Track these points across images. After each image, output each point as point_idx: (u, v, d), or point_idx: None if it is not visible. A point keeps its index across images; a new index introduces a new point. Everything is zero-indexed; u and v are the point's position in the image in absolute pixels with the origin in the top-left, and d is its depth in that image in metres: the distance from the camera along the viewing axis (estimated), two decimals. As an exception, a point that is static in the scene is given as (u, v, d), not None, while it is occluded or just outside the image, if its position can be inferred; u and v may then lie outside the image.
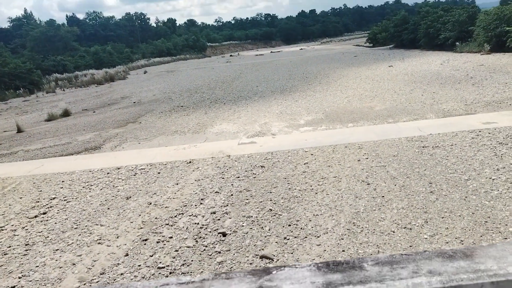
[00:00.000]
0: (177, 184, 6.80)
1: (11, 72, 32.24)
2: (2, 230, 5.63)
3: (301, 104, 13.83)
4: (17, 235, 5.43)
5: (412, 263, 0.87)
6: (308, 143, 8.48)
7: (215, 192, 6.24)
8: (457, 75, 16.45)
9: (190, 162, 7.99)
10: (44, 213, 6.05)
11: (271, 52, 66.65)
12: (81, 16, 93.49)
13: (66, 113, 17.49)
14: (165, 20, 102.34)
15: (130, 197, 6.40)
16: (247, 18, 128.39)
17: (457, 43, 27.50)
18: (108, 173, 7.75)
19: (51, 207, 6.29)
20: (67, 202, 6.44)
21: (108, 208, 6.03)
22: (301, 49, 64.83)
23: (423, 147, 7.40)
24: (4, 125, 16.72)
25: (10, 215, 6.12)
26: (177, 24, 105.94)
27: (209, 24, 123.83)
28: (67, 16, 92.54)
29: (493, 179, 5.65)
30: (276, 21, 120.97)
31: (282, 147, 8.41)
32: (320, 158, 7.41)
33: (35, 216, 5.96)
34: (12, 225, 5.75)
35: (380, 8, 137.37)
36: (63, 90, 32.66)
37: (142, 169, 7.82)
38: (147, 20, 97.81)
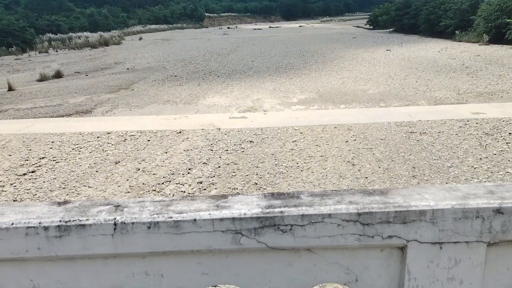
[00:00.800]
0: (166, 152, 6.87)
1: (4, 28, 31.53)
2: (-10, 186, 5.68)
3: (295, 82, 13.83)
4: (5, 191, 5.49)
5: (338, 196, 1.09)
6: (299, 122, 8.56)
7: (203, 163, 6.33)
8: (453, 64, 16.50)
9: (180, 132, 8.04)
10: (32, 172, 6.10)
11: (270, 27, 65.81)
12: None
13: (58, 75, 17.28)
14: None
15: (119, 162, 6.46)
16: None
17: (457, 31, 27.40)
18: (98, 137, 7.78)
19: (40, 166, 6.34)
20: (56, 162, 6.49)
21: (97, 171, 6.10)
22: (300, 26, 64.08)
23: (411, 132, 7.53)
24: (-6, 82, 16.48)
25: (-2, 172, 6.16)
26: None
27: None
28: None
29: (475, 168, 5.81)
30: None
31: (273, 123, 8.48)
32: (309, 137, 7.50)
33: (24, 174, 6.02)
34: (0, 181, 5.80)
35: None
36: (56, 51, 32.08)
37: (132, 135, 7.86)
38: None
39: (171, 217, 1.03)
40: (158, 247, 1.04)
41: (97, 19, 53.39)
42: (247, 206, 1.05)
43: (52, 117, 10.03)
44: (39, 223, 1.03)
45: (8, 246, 1.03)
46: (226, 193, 1.25)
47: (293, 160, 6.35)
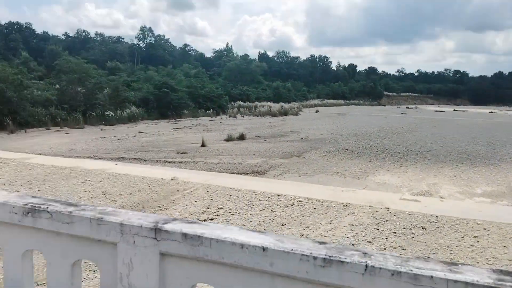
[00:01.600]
0: (330, 223, 6.84)
1: (206, 94, 37.78)
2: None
3: (481, 171, 12.37)
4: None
5: None
6: (482, 215, 7.52)
7: (367, 241, 6.06)
8: None
9: (346, 205, 7.95)
10: (211, 219, 6.83)
11: (454, 110, 61.78)
12: (271, 53, 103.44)
13: (241, 137, 19.47)
14: (346, 65, 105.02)
15: (285, 224, 6.72)
16: (433, 72, 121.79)
17: None
18: (268, 198, 8.30)
19: (217, 215, 7.06)
20: (231, 214, 7.14)
21: (264, 229, 6.44)
22: (491, 112, 58.19)
23: None
24: (192, 138, 19.55)
25: (185, 214, 7.10)
26: (357, 70, 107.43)
27: (389, 74, 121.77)
28: (259, 52, 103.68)
29: None
30: (466, 79, 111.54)
31: (450, 212, 7.66)
32: (494, 235, 6.49)
33: (204, 220, 6.78)
34: (185, 223, 6.65)
35: None
36: (243, 116, 36.46)
37: (299, 201, 8.13)
38: (329, 63, 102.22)
39: (411, 270, 1.23)
40: None
41: (281, 91, 59.07)
42: (478, 275, 1.19)
43: (232, 173, 11.21)
44: (310, 253, 1.33)
45: (285, 266, 1.35)
46: (456, 262, 1.40)
47: (472, 257, 5.54)
